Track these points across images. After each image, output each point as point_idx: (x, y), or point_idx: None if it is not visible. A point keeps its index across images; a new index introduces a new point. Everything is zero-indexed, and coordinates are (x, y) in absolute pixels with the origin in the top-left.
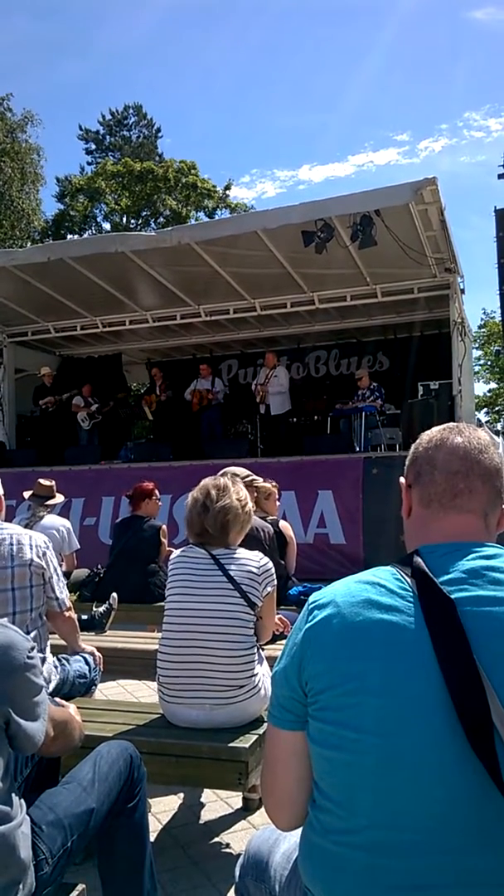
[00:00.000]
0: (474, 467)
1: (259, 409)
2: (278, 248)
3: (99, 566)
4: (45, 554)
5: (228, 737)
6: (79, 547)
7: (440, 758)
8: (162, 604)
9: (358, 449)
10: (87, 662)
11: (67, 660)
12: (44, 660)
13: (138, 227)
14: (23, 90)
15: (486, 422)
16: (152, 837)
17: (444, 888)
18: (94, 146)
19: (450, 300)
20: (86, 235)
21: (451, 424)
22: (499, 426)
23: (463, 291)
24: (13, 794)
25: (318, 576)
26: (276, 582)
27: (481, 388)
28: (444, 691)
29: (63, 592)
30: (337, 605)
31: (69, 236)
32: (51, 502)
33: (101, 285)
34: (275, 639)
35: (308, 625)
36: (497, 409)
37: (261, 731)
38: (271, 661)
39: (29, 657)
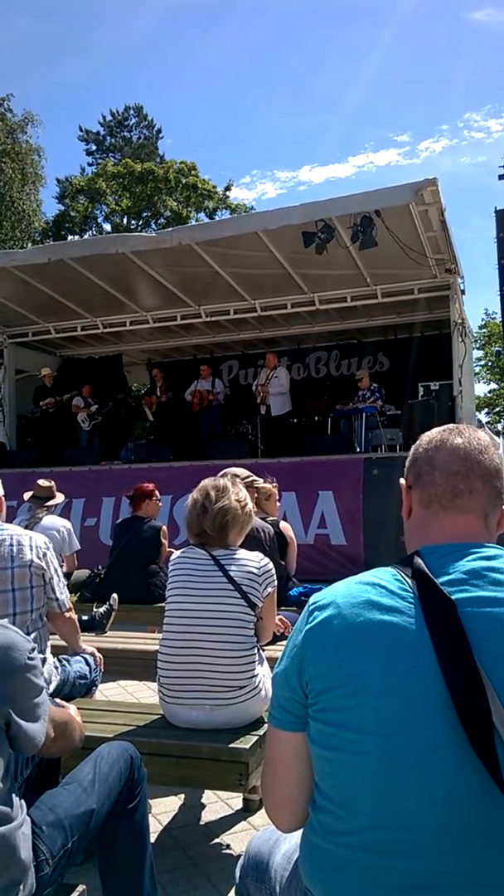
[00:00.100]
0: (474, 468)
1: (259, 409)
2: (279, 248)
3: (99, 567)
4: (45, 555)
5: (229, 738)
6: (79, 547)
7: (441, 758)
8: (162, 604)
9: (358, 450)
10: (87, 663)
11: (68, 660)
12: (44, 661)
13: (139, 228)
14: (23, 90)
15: (487, 423)
16: (153, 838)
17: (444, 889)
18: (94, 147)
19: (450, 301)
20: (86, 236)
21: (451, 425)
22: (499, 427)
23: (463, 292)
24: (13, 795)
25: (318, 576)
26: (276, 582)
27: (482, 389)
28: (444, 692)
29: (63, 593)
30: (337, 606)
31: (70, 237)
32: (51, 503)
33: (102, 286)
34: (275, 639)
35: (308, 626)
36: (497, 409)
37: (261, 731)
38: (272, 661)
39: (30, 658)
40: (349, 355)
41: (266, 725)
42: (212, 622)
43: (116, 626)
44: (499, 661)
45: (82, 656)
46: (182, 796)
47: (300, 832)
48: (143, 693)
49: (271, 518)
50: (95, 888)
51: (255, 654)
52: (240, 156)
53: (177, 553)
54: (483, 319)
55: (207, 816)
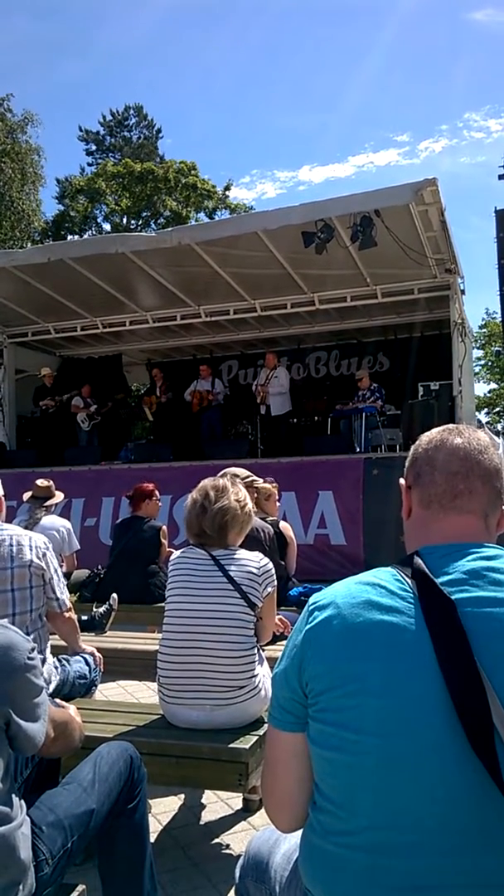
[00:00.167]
0: (474, 468)
1: (259, 409)
2: (278, 248)
3: (99, 567)
4: (44, 555)
5: (229, 738)
6: (79, 547)
7: (441, 759)
8: (162, 604)
9: (358, 450)
10: (87, 663)
11: (67, 660)
12: (44, 661)
13: (138, 228)
14: (23, 90)
15: (487, 423)
16: (152, 838)
17: (444, 889)
18: (94, 147)
19: (450, 301)
20: (86, 236)
21: (450, 426)
22: (499, 427)
23: (463, 292)
24: (13, 795)
25: (318, 577)
26: (276, 582)
27: (482, 389)
28: (444, 692)
29: (63, 593)
30: (337, 607)
31: (69, 237)
32: (50, 502)
33: (102, 286)
34: (275, 639)
35: (308, 626)
36: (497, 409)
37: (261, 731)
38: (272, 661)
39: (29, 658)
40: (349, 355)
41: (266, 725)
42: (212, 622)
43: (116, 626)
44: (499, 661)
45: (82, 656)
46: (182, 796)
47: (300, 832)
48: (142, 693)
49: (271, 518)
50: (95, 888)
51: (254, 654)
52: (239, 156)
53: (177, 553)
54: (483, 319)
55: (207, 816)
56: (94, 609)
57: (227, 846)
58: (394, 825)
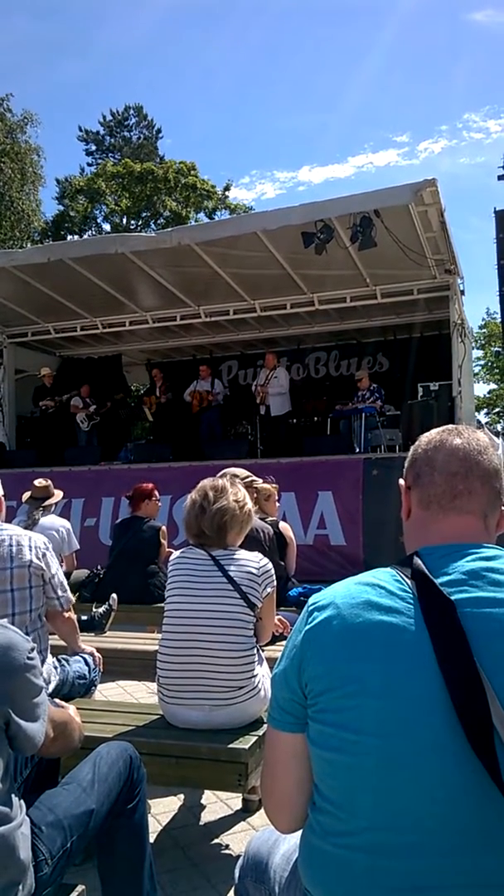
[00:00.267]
0: (473, 468)
1: (259, 410)
2: (278, 249)
3: (99, 567)
4: (44, 555)
5: (228, 738)
6: (78, 547)
7: (440, 759)
8: (161, 605)
9: (358, 450)
10: (86, 663)
11: (67, 660)
12: (43, 661)
13: (138, 228)
14: (23, 90)
15: (486, 423)
16: (152, 838)
17: (444, 889)
18: (94, 147)
19: (450, 301)
20: (86, 236)
21: (450, 426)
22: (499, 427)
23: (463, 293)
24: (13, 795)
25: (317, 577)
26: (275, 583)
27: (481, 389)
28: (444, 693)
29: (66, 592)
30: (337, 607)
31: (69, 237)
32: (49, 502)
33: (101, 286)
34: (275, 640)
35: (308, 626)
36: (497, 410)
37: (260, 732)
38: (271, 662)
39: (29, 658)
40: (349, 356)
41: (265, 726)
42: (211, 622)
43: (116, 626)
44: (499, 661)
45: (81, 656)
46: (181, 796)
47: (299, 833)
48: (142, 693)
49: (270, 518)
50: (95, 888)
51: (254, 655)
52: (239, 156)
53: (176, 553)
54: (484, 319)
55: (207, 817)
56: (94, 609)
57: (227, 846)
58: (393, 826)
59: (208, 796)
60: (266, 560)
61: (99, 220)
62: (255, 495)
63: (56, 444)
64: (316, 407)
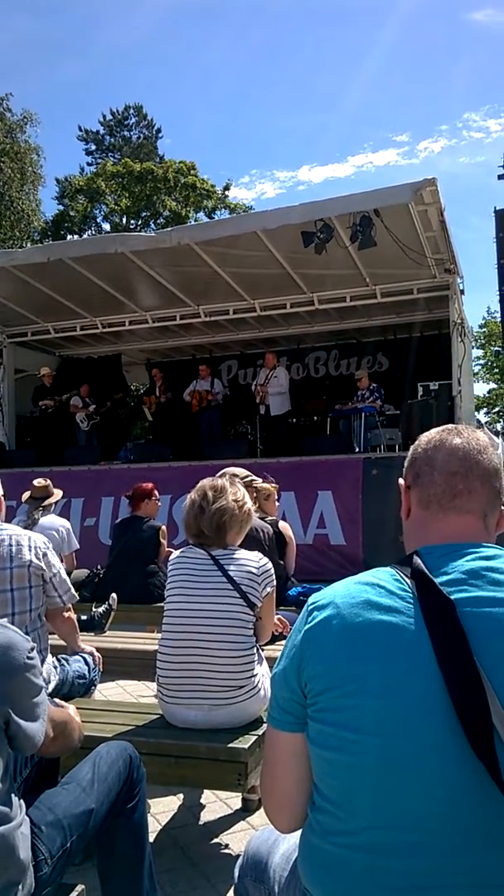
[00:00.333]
0: (473, 468)
1: (259, 409)
2: (278, 248)
3: (98, 566)
4: (45, 555)
5: (227, 737)
6: (78, 547)
7: (440, 759)
8: (161, 604)
9: (357, 449)
10: (86, 663)
11: (67, 660)
12: (43, 660)
13: (138, 228)
14: (23, 90)
15: (486, 423)
16: (151, 838)
17: (444, 889)
18: (94, 147)
19: (449, 301)
20: (85, 236)
21: (449, 426)
22: (499, 427)
23: (462, 292)
24: (12, 795)
25: (317, 576)
26: (275, 582)
27: (481, 389)
28: (443, 692)
29: (68, 590)
30: (336, 607)
31: (69, 237)
32: (48, 501)
33: (101, 286)
34: (274, 639)
35: (307, 626)
36: (497, 409)
37: (260, 731)
38: (271, 661)
39: (29, 657)
40: (348, 355)
41: (265, 725)
42: (211, 622)
43: (115, 625)
44: (498, 661)
45: (81, 656)
46: (181, 796)
47: (299, 832)
48: (141, 693)
49: (270, 518)
50: (94, 888)
51: (254, 654)
52: (239, 156)
53: (176, 553)
54: (484, 319)
55: (206, 816)
56: (94, 609)
57: (226, 846)
58: (393, 825)
59: (208, 796)
60: (266, 559)
61: (99, 220)
62: (255, 495)
63: (56, 444)
64: (316, 406)
